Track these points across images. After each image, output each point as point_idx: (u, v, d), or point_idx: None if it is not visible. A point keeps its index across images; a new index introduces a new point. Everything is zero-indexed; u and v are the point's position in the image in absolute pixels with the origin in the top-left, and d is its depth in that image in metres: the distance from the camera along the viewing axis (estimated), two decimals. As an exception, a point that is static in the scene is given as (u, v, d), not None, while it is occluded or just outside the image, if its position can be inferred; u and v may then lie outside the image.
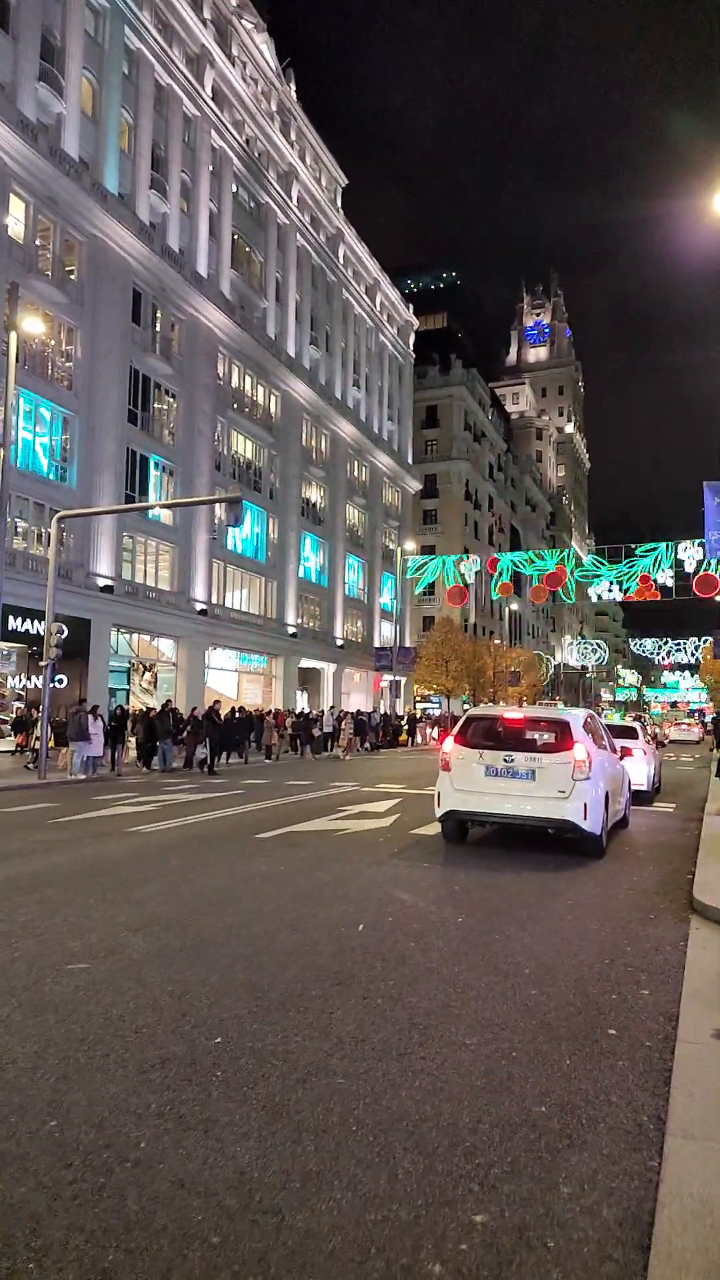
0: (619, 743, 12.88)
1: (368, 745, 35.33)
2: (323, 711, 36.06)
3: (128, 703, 32.40)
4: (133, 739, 24.18)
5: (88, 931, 6.00)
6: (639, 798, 14.44)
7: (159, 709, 24.85)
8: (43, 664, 20.38)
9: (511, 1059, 3.90)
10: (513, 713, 9.91)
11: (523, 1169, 2.95)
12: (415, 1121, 3.28)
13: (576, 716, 9.83)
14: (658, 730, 42.86)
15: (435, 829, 10.46)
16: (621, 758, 12.05)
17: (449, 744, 9.83)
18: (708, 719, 67.31)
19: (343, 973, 5.11)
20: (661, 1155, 3.03)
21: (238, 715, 27.98)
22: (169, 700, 28.29)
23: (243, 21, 42.78)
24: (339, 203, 54.85)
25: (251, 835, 10.52)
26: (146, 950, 5.56)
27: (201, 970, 5.13)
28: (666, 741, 45.58)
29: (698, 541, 29.76)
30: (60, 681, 29.31)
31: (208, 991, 4.76)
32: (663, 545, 32.01)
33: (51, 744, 23.58)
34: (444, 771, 9.70)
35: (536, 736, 9.44)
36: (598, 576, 34.33)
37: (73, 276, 31.28)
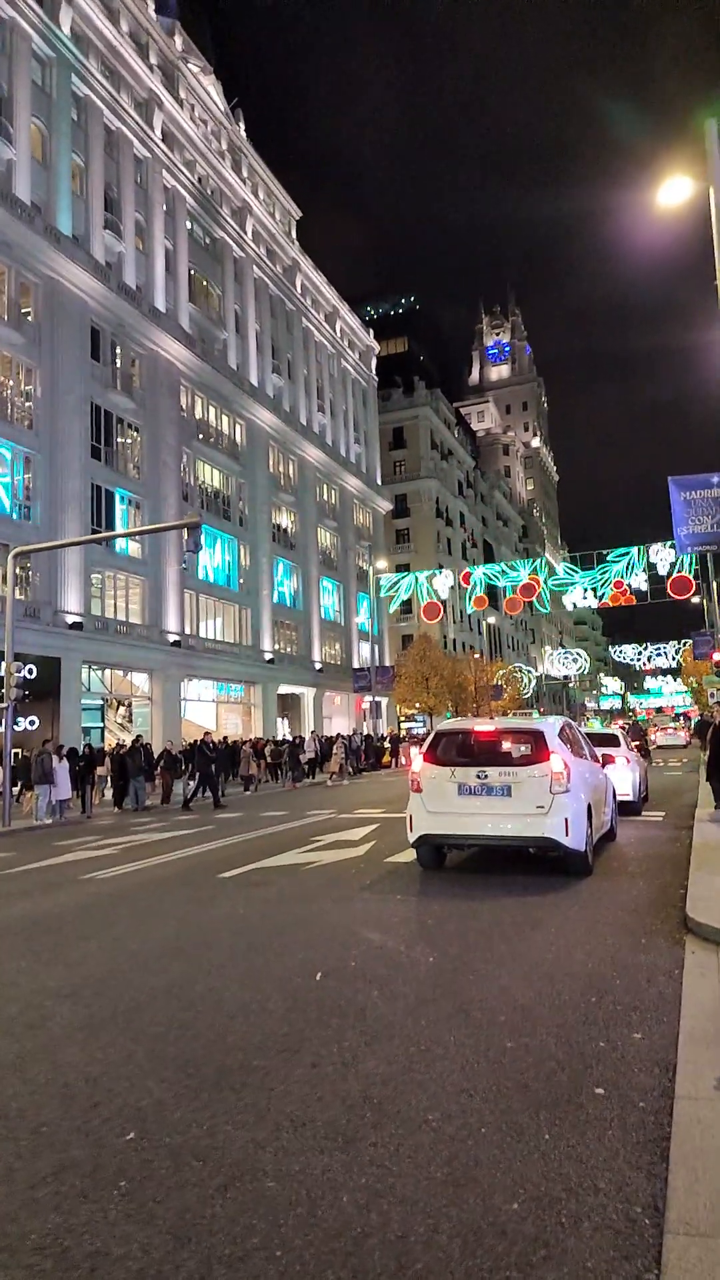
0: (601, 750, 12.28)
1: (351, 768, 34.60)
2: (301, 737, 35.31)
3: (103, 740, 31.59)
4: (105, 777, 23.40)
5: (9, 1001, 5.30)
6: (626, 808, 13.84)
7: (129, 745, 24.03)
8: (2, 705, 19.54)
9: (480, 1137, 3.25)
10: (483, 725, 9.28)
11: (485, 1304, 2.31)
12: (356, 1238, 2.64)
13: (551, 725, 9.23)
14: (647, 738, 42.19)
15: (411, 856, 9.80)
16: (604, 766, 11.44)
17: (418, 762, 9.20)
18: (693, 722, 66.95)
19: (291, 1036, 4.44)
20: (660, 1264, 2.41)
21: (212, 746, 27.13)
22: (139, 736, 27.51)
23: (189, 65, 43.33)
24: (294, 234, 55.40)
25: (214, 875, 9.81)
26: (71, 1021, 4.87)
27: (129, 1043, 4.45)
28: (654, 747, 44.92)
29: (669, 543, 29.45)
30: (32, 723, 28.51)
31: (131, 1070, 4.09)
32: (634, 549, 31.69)
33: (19, 788, 22.76)
34: (415, 793, 9.06)
35: (510, 749, 8.84)
36: (571, 584, 33.95)
37: (30, 318, 31.10)
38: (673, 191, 11.87)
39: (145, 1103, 3.71)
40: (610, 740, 15.03)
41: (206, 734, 25.96)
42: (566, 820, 8.30)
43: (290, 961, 5.90)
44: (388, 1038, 4.34)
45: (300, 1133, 3.35)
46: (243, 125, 49.43)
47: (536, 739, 8.74)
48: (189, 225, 42.28)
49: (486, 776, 8.58)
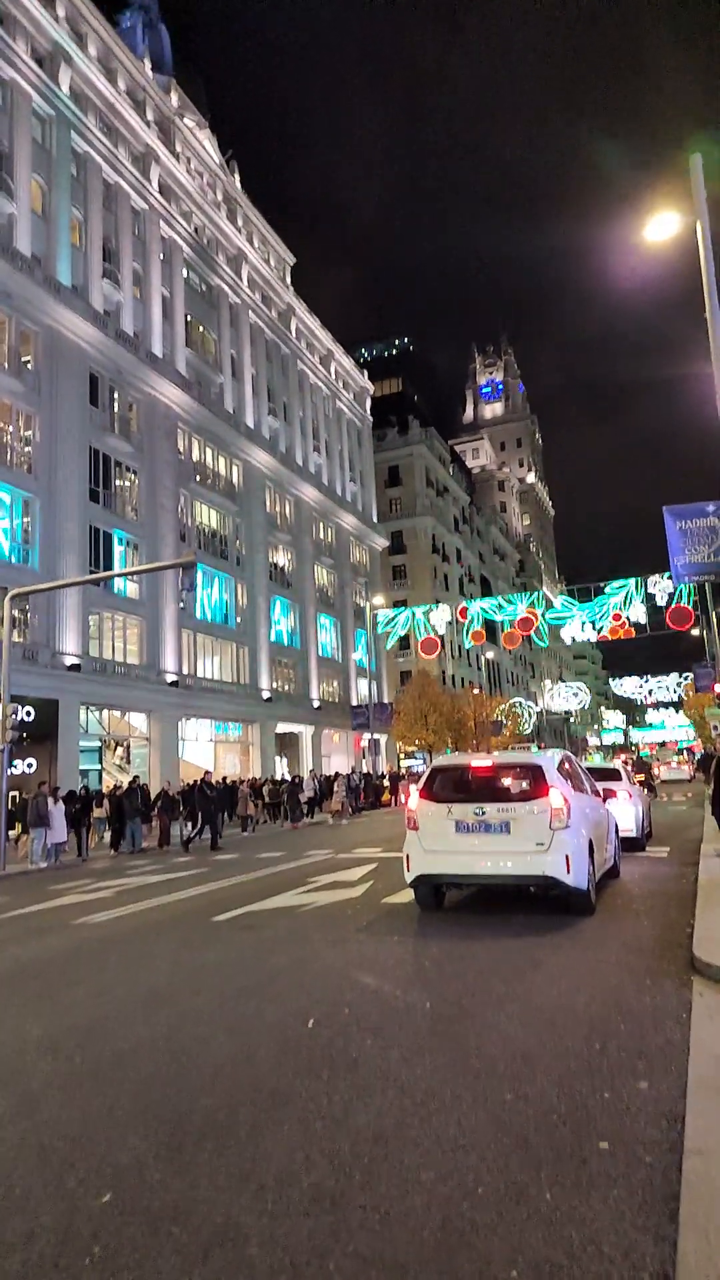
0: (602, 785, 12.08)
1: (351, 807, 34.21)
2: (300, 777, 34.99)
3: (100, 782, 31.30)
4: (102, 819, 23.10)
5: (-11, 1055, 5.09)
6: (629, 844, 13.58)
7: (126, 787, 23.74)
8: (-2, 748, 19.32)
9: (476, 1198, 3.06)
10: (480, 760, 9.10)
11: None
12: (342, 1313, 2.45)
13: (550, 759, 9.06)
14: (652, 772, 41.76)
15: (409, 896, 9.56)
16: (605, 801, 11.23)
17: (414, 800, 9.01)
18: (697, 756, 66.49)
19: (280, 1088, 4.24)
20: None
21: (212, 786, 26.85)
22: (136, 777, 27.22)
23: (184, 120, 44.64)
24: (288, 280, 56.46)
25: (207, 919, 9.57)
26: (52, 1074, 4.67)
27: (110, 1096, 4.25)
28: (658, 782, 44.44)
29: (667, 575, 29.41)
30: (30, 765, 28.28)
31: (111, 1126, 3.89)
32: (631, 581, 31.65)
33: (17, 832, 22.46)
34: (411, 831, 8.86)
35: (508, 784, 8.66)
36: (569, 617, 33.86)
37: (29, 365, 31.54)
38: (660, 227, 12.01)
39: (124, 1161, 3.51)
40: (611, 774, 14.81)
41: (206, 774, 25.71)
42: (567, 857, 8.10)
43: (282, 1008, 5.69)
44: (381, 1090, 4.14)
45: (286, 1194, 3.16)
46: (237, 176, 50.73)
47: (535, 774, 8.57)
48: (185, 273, 43.16)
49: (484, 813, 8.40)
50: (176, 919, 9.82)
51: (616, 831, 11.67)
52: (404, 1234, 2.84)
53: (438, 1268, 2.63)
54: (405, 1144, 3.53)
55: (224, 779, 30.18)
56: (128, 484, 36.32)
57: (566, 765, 9.55)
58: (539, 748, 46.98)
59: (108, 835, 23.16)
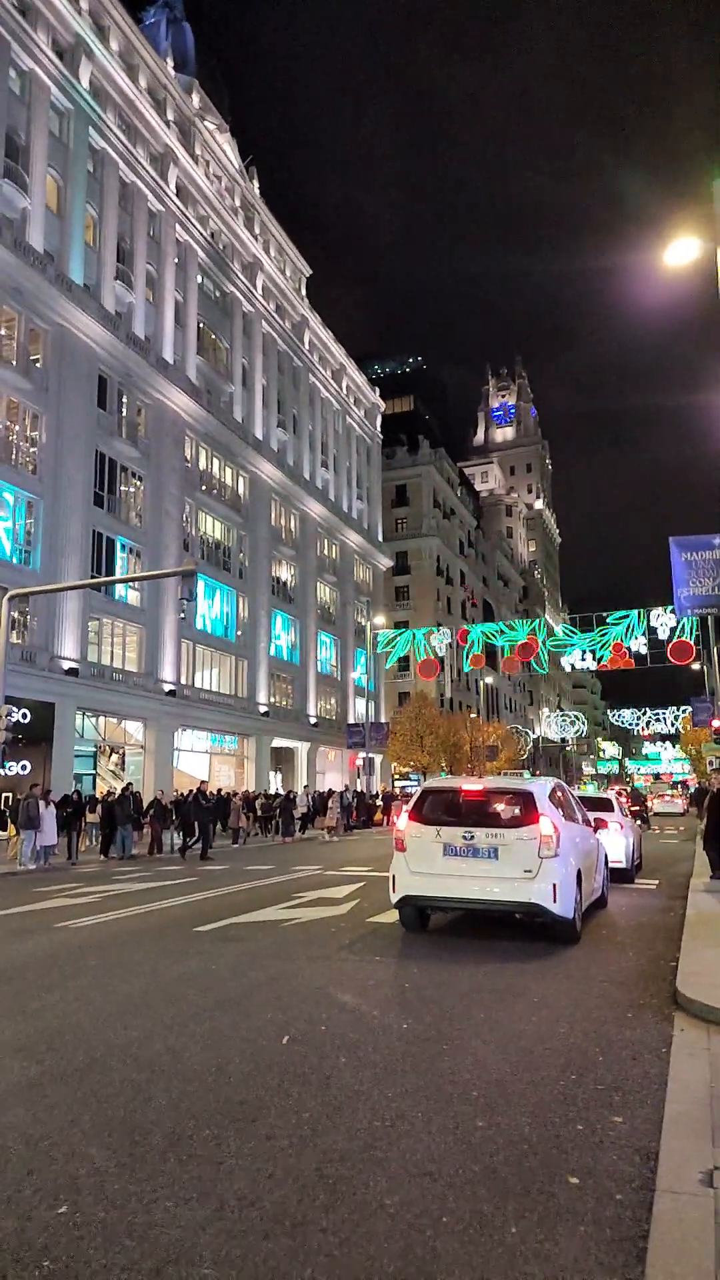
0: (593, 815, 12.00)
1: (344, 825, 34.04)
2: (294, 792, 34.84)
3: (94, 787, 31.18)
4: (94, 824, 22.96)
5: (-43, 1056, 5.00)
6: (619, 875, 13.47)
7: (119, 793, 23.64)
8: (-10, 749, 19.24)
9: (440, 1227, 2.98)
10: (472, 784, 9.03)
11: None
12: (294, 1340, 2.38)
13: (542, 786, 9.00)
14: (646, 804, 41.50)
15: (394, 916, 9.47)
16: (596, 830, 11.15)
17: (403, 821, 8.95)
18: (691, 790, 66.23)
19: (249, 1103, 4.16)
20: None
21: (207, 797, 26.74)
22: (129, 784, 27.11)
23: (205, 123, 44.51)
24: (303, 291, 56.39)
25: (190, 929, 9.46)
26: (19, 1078, 4.59)
27: (76, 1104, 4.17)
28: (651, 814, 44.14)
29: (669, 608, 29.42)
30: (24, 767, 28.18)
31: (74, 1135, 3.81)
32: (634, 613, 31.64)
33: (11, 833, 22.33)
34: (399, 852, 8.78)
35: (499, 810, 8.59)
36: (570, 645, 33.84)
37: (38, 364, 31.40)
38: (680, 252, 12.02)
39: (84, 1172, 3.44)
40: (603, 804, 14.72)
41: (202, 784, 25.64)
42: (555, 886, 8.02)
43: (257, 1022, 5.60)
44: (351, 1110, 4.06)
45: (246, 1213, 3.08)
46: (256, 183, 50.36)
47: (526, 801, 8.50)
48: (200, 279, 42.88)
49: (473, 838, 8.33)
50: (159, 927, 9.71)
51: (606, 862, 11.59)
52: (363, 1261, 2.77)
53: (395, 1297, 2.55)
54: (372, 1166, 3.45)
55: (218, 790, 30.06)
56: (132, 490, 36.25)
57: (558, 794, 9.48)
58: (532, 774, 46.75)
59: (98, 840, 23.03)
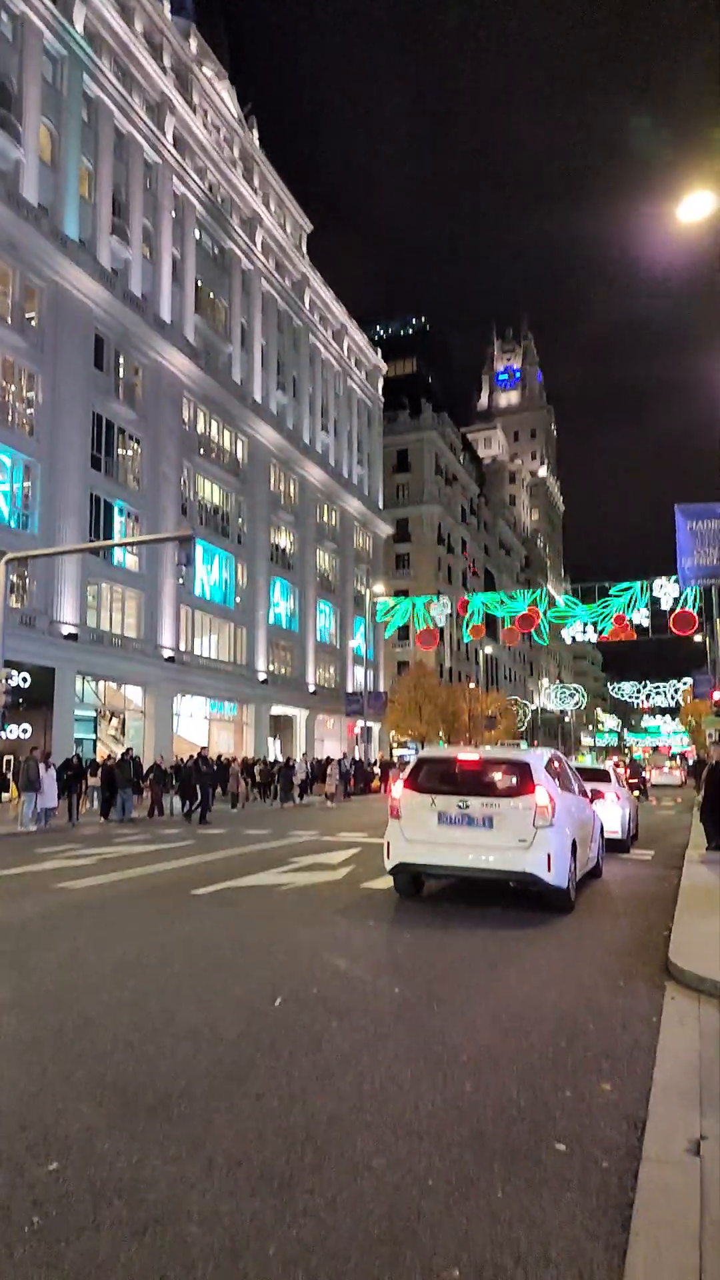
0: (590, 786, 12.04)
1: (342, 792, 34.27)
2: (293, 759, 35.01)
3: (94, 751, 31.33)
4: (95, 787, 23.10)
5: (-49, 1014, 5.04)
6: (614, 845, 13.55)
7: (119, 757, 23.75)
8: (-11, 711, 19.28)
9: (426, 1189, 3.00)
10: (468, 754, 9.03)
11: None
12: (278, 1298, 2.39)
13: (538, 757, 9.00)
14: (643, 776, 41.66)
15: (389, 882, 9.52)
16: (592, 801, 11.18)
17: (398, 789, 8.96)
18: (690, 762, 66.54)
19: (240, 1062, 4.19)
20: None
21: (208, 762, 26.85)
22: (129, 749, 27.21)
23: (203, 69, 43.12)
24: (304, 248, 55.02)
25: (187, 891, 9.52)
26: (13, 1035, 4.62)
27: (69, 1062, 4.20)
28: (649, 786, 44.31)
29: (673, 579, 29.25)
30: (25, 731, 28.28)
31: (66, 1092, 3.83)
32: (637, 584, 31.46)
33: (14, 795, 22.47)
34: (393, 819, 8.80)
35: (494, 780, 8.59)
36: (571, 617, 33.73)
37: (33, 322, 30.88)
38: (694, 207, 11.72)
39: (75, 1129, 3.46)
40: (600, 775, 14.76)
41: (203, 750, 25.79)
42: (549, 855, 8.05)
43: (250, 983, 5.64)
44: (341, 1071, 4.09)
45: (234, 1172, 3.10)
46: (256, 133, 48.81)
47: (522, 771, 8.50)
48: (197, 234, 41.84)
49: (468, 806, 8.34)
50: (156, 889, 9.78)
51: (602, 832, 11.64)
52: (349, 1221, 2.78)
53: (379, 1259, 2.57)
54: (360, 1128, 3.47)
55: (218, 756, 30.20)
56: (130, 453, 35.86)
57: (555, 764, 9.49)
58: (530, 745, 46.91)
59: (99, 803, 23.17)
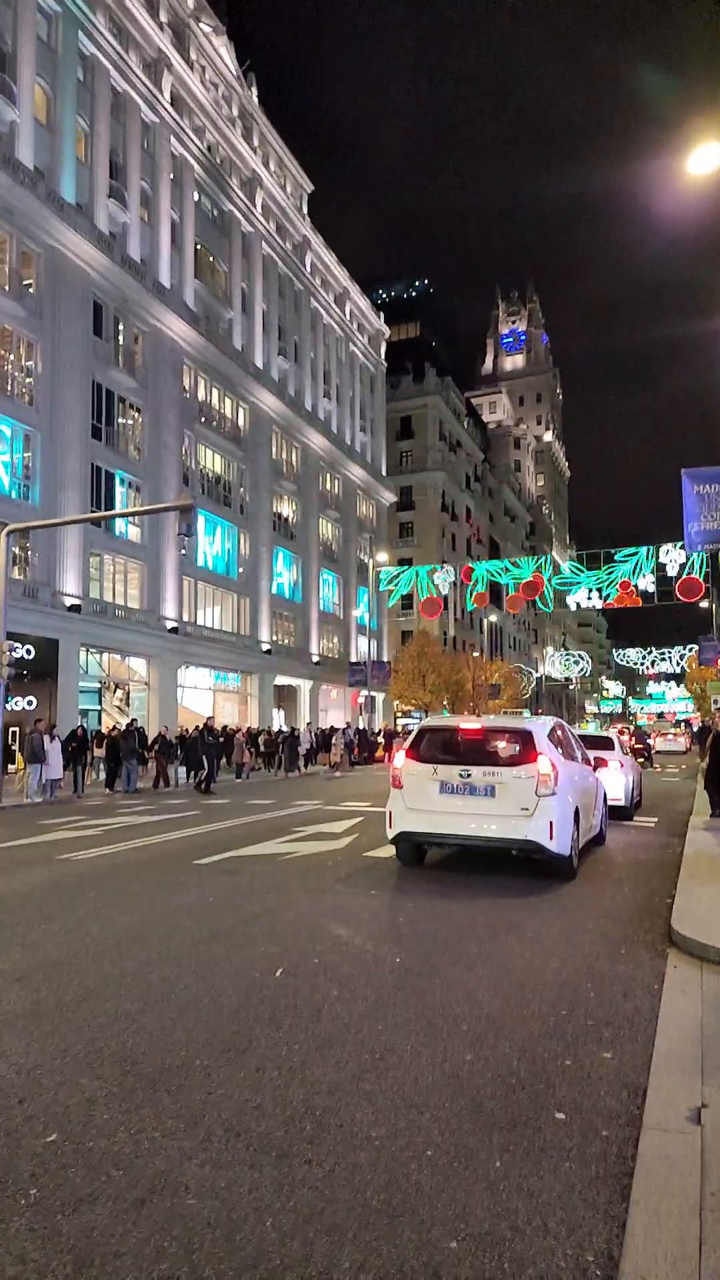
0: (593, 754, 12.01)
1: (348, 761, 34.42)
2: (298, 729, 35.12)
3: (99, 723, 31.42)
4: (101, 759, 23.22)
5: (-47, 986, 5.05)
6: (617, 812, 13.56)
7: (124, 728, 23.81)
8: (-8, 683, 19.29)
9: (425, 1160, 2.99)
10: (470, 723, 8.99)
11: None
12: (273, 1270, 2.38)
13: (541, 725, 8.95)
14: (648, 742, 41.62)
15: (391, 851, 9.54)
16: (595, 769, 11.16)
17: (400, 758, 8.93)
18: (695, 729, 66.60)
19: (241, 1034, 4.19)
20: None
21: (214, 733, 26.95)
22: (134, 720, 27.27)
23: (201, 25, 41.88)
24: (305, 210, 53.91)
25: (189, 861, 9.56)
26: (16, 1007, 4.63)
27: (70, 1034, 4.20)
28: (654, 753, 44.29)
29: (679, 544, 29.02)
30: (30, 703, 28.35)
31: (66, 1064, 3.84)
32: (643, 550, 31.24)
33: (20, 766, 22.60)
34: (395, 789, 8.79)
35: (496, 748, 8.56)
36: (576, 584, 33.54)
37: (30, 289, 30.39)
38: (703, 159, 11.40)
39: (74, 1101, 3.46)
40: (604, 743, 14.73)
41: (209, 720, 25.88)
42: (551, 823, 8.03)
43: (251, 954, 5.64)
44: (341, 1042, 4.08)
45: (232, 1144, 3.09)
46: (255, 91, 47.63)
47: (524, 739, 8.46)
48: (196, 196, 40.98)
49: (470, 775, 8.31)
50: (159, 860, 9.81)
51: (605, 800, 11.63)
52: (347, 1193, 2.77)
53: (377, 1232, 2.56)
54: (359, 1099, 3.47)
55: (224, 727, 30.28)
56: (131, 422, 35.48)
57: (558, 732, 9.45)
58: (533, 713, 46.88)
59: (104, 775, 23.30)
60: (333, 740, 31.49)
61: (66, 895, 7.77)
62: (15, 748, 24.27)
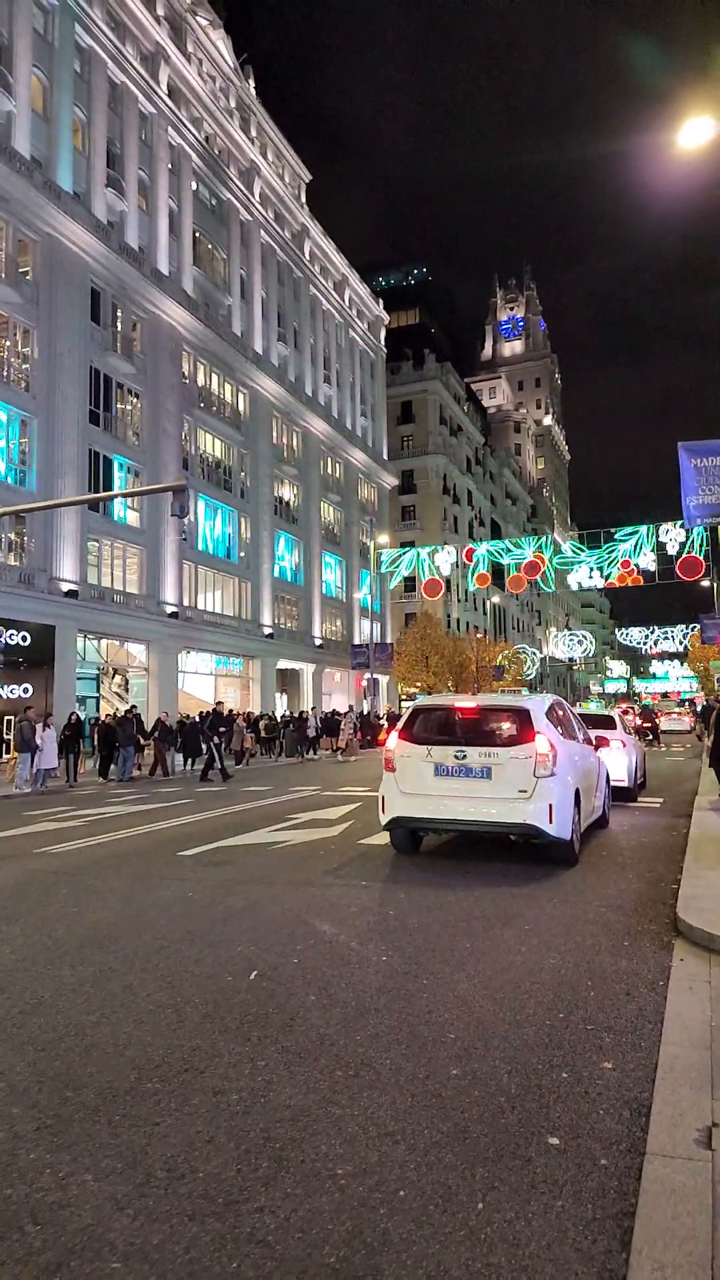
0: (595, 733, 11.56)
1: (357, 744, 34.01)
2: (305, 713, 34.76)
3: (98, 709, 31.08)
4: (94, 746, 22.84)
5: None
6: (620, 793, 13.14)
7: (122, 715, 23.41)
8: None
9: (396, 1203, 2.58)
10: (465, 701, 8.54)
11: None
12: None
13: (539, 703, 8.51)
14: (657, 723, 41.17)
15: (387, 839, 9.13)
16: (597, 748, 10.71)
17: (393, 740, 8.50)
18: (699, 707, 66.10)
19: (201, 1050, 3.78)
20: None
21: (220, 718, 26.50)
22: (133, 706, 26.90)
23: (198, 18, 41.66)
24: (303, 199, 53.67)
25: (173, 853, 9.16)
26: (-41, 1022, 4.22)
27: (11, 1054, 3.79)
28: (660, 732, 43.80)
29: (679, 523, 28.49)
30: (26, 690, 28.01)
31: (0, 1092, 3.43)
32: (644, 528, 30.69)
33: (11, 756, 22.26)
34: (388, 772, 8.36)
35: (493, 728, 8.13)
36: (577, 563, 33.02)
37: (28, 276, 30.11)
38: (694, 132, 11.11)
39: (0, 1136, 3.05)
40: (605, 722, 14.28)
41: (218, 704, 25.50)
42: (551, 806, 7.61)
43: (227, 955, 5.24)
44: (313, 1057, 3.67)
45: (174, 1188, 2.68)
46: (252, 83, 47.53)
47: (522, 718, 8.03)
48: (194, 185, 40.85)
49: (465, 757, 7.88)
50: (141, 852, 9.41)
51: (608, 780, 11.21)
52: (302, 1249, 2.36)
53: (330, 1301, 2.15)
54: (327, 1127, 3.06)
55: (229, 712, 29.93)
56: (129, 407, 35.12)
57: (557, 711, 9.02)
58: (529, 691, 46.36)
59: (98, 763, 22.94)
60: (342, 724, 31.05)
61: (36, 893, 7.36)
62: (9, 736, 23.93)
